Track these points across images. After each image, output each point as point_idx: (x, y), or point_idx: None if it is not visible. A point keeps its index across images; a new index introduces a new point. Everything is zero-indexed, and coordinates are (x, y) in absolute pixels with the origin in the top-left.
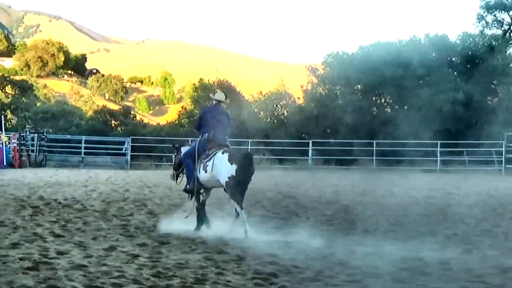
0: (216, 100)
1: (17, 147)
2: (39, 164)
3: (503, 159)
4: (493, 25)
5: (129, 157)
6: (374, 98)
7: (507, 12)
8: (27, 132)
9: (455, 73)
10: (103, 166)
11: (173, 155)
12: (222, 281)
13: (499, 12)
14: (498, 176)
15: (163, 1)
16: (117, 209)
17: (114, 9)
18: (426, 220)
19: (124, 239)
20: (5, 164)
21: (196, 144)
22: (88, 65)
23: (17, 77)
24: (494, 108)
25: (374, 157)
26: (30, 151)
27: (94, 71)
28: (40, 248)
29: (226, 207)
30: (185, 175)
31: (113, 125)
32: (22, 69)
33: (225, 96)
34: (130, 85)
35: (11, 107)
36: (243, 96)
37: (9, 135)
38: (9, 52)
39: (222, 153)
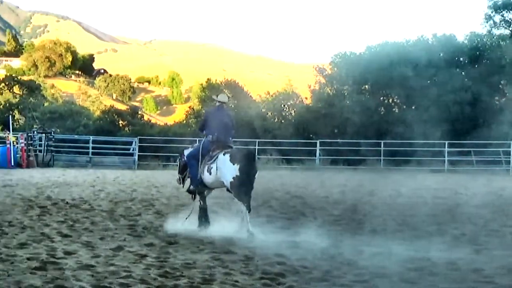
0: (219, 101)
1: (25, 147)
2: (46, 164)
3: (511, 159)
4: (501, 25)
5: (136, 157)
6: (381, 98)
7: None
8: (35, 132)
9: (463, 73)
10: (111, 166)
11: (178, 159)
12: (229, 281)
13: (507, 12)
14: (506, 176)
15: (171, 1)
16: (125, 209)
17: (122, 9)
18: (434, 220)
19: (131, 239)
20: (13, 164)
21: (200, 145)
22: (96, 65)
23: (25, 77)
24: (502, 108)
25: (382, 157)
26: (37, 151)
27: (102, 71)
28: (47, 248)
29: (232, 207)
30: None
31: (120, 125)
32: (29, 69)
33: (228, 98)
34: (137, 85)
35: (19, 107)
36: (250, 96)
37: (16, 135)
38: (17, 52)
39: (224, 154)
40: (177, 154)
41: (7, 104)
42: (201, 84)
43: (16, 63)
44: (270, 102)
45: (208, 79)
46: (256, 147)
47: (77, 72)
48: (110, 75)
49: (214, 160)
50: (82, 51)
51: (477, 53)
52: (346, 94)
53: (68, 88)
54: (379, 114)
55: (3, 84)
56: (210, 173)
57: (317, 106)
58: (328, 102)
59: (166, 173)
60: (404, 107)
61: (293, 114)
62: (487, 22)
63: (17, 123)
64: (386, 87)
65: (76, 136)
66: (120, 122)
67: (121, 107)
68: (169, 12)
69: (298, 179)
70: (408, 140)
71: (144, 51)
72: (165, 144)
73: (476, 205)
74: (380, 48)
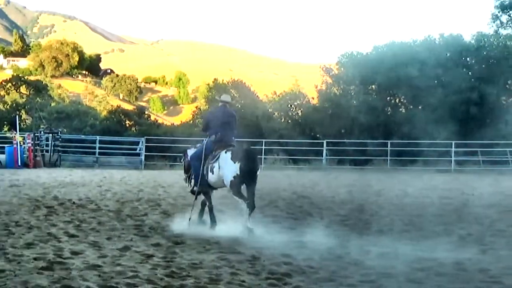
0: (222, 101)
1: (32, 147)
2: (53, 164)
3: None
4: (508, 25)
5: (143, 157)
6: (388, 98)
7: None
8: (42, 132)
9: (470, 73)
10: (118, 166)
11: (182, 159)
12: (236, 281)
13: None
14: None
15: (178, 1)
16: (131, 209)
17: (129, 9)
18: (441, 220)
19: (138, 239)
20: (19, 164)
21: (203, 146)
22: (103, 65)
23: (32, 77)
24: (509, 108)
25: (389, 157)
26: (44, 151)
27: (109, 71)
28: (54, 248)
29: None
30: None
31: (127, 125)
32: (36, 69)
33: (232, 98)
34: (144, 85)
35: (26, 107)
36: (257, 96)
37: (23, 135)
38: (24, 52)
39: (226, 152)
40: (182, 155)
41: (14, 104)
42: (208, 84)
43: (23, 63)
44: (277, 102)
45: (215, 79)
46: (263, 147)
47: (84, 72)
48: (117, 75)
49: (217, 159)
50: (89, 51)
51: (484, 53)
52: (352, 94)
53: (74, 88)
54: (385, 114)
55: (10, 84)
56: (213, 172)
57: (324, 106)
58: (335, 102)
59: (172, 173)
60: (411, 107)
61: (299, 114)
62: (494, 22)
63: (24, 123)
64: (393, 87)
65: (83, 136)
66: (127, 122)
67: (128, 107)
68: (176, 12)
69: (305, 179)
70: (415, 140)
71: (151, 51)
72: (171, 144)
73: (483, 205)
74: (387, 48)
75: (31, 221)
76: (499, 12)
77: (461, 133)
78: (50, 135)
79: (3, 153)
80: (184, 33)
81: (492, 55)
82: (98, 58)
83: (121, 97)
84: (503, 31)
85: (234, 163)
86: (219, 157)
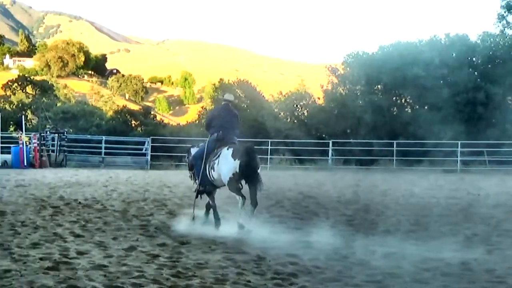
0: (225, 100)
1: (38, 147)
2: (59, 164)
3: None
4: None
5: (149, 157)
6: (394, 98)
7: None
8: (48, 132)
9: (476, 73)
10: (123, 166)
11: (186, 157)
12: (242, 281)
13: None
14: None
15: (184, 1)
16: (137, 209)
17: (135, 9)
18: (447, 220)
19: (144, 239)
20: (25, 164)
21: (205, 145)
22: (108, 65)
23: (38, 77)
24: None
25: (394, 157)
26: (50, 151)
27: (114, 71)
28: (60, 248)
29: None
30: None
31: (133, 125)
32: (42, 69)
33: (234, 97)
34: (150, 85)
35: (32, 107)
36: (263, 96)
37: (29, 135)
38: (30, 52)
39: (227, 149)
40: (186, 153)
41: (20, 104)
42: (214, 84)
43: (29, 63)
44: (283, 102)
45: (220, 79)
46: (269, 147)
47: (89, 72)
48: (123, 75)
49: (218, 156)
50: (95, 51)
51: (490, 53)
52: (358, 94)
53: (80, 88)
54: (391, 114)
55: (16, 84)
56: (214, 170)
57: (330, 106)
58: (341, 102)
59: (178, 173)
60: (417, 107)
61: (305, 114)
62: (500, 22)
63: (30, 123)
64: (398, 87)
65: (88, 136)
66: (133, 122)
67: (134, 107)
68: (182, 12)
69: (311, 179)
70: (421, 140)
71: (156, 51)
72: (177, 144)
73: (489, 205)
74: (393, 48)
75: (37, 221)
76: (505, 12)
77: (467, 133)
78: (56, 135)
79: (9, 153)
80: (190, 33)
81: (498, 55)
82: (104, 58)
83: (127, 97)
84: (509, 31)
85: (234, 160)
86: (220, 153)
